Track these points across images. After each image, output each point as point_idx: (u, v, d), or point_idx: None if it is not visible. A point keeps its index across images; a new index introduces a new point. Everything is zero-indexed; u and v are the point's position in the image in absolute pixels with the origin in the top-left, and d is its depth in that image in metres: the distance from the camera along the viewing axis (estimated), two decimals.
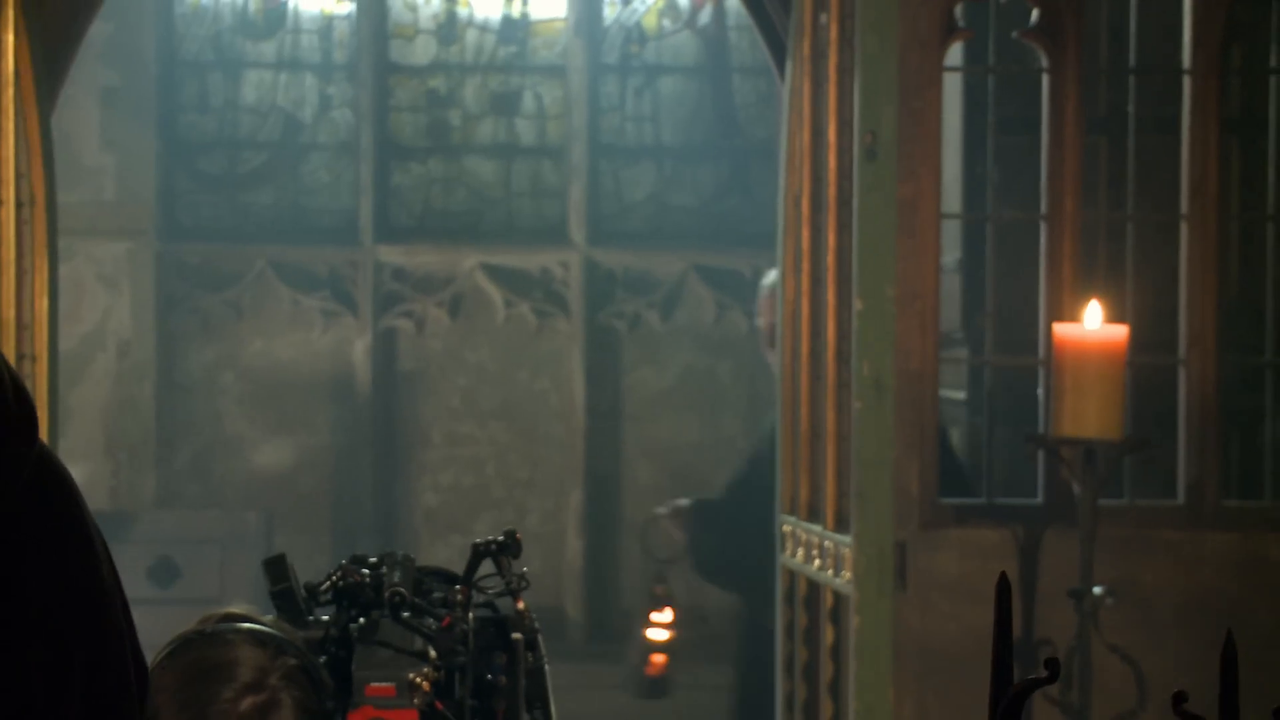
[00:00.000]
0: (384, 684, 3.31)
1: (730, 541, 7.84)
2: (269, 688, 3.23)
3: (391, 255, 10.57)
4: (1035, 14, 6.82)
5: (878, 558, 5.84)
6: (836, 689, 6.11)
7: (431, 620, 3.46)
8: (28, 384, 2.06)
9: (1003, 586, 2.88)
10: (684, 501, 8.09)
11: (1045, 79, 6.89)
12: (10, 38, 6.32)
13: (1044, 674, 2.82)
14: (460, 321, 10.58)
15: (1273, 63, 7.05)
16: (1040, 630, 6.25)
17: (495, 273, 10.40)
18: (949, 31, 6.81)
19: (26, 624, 2.01)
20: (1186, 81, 6.87)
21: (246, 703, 3.21)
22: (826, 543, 6.20)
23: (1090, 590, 6.24)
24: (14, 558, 1.99)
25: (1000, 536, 6.46)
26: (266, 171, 11.02)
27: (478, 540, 3.64)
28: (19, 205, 6.36)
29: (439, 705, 3.35)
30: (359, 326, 10.57)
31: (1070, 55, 6.84)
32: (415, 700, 3.29)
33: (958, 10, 6.82)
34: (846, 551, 5.97)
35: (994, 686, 2.76)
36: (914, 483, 6.51)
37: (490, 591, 3.58)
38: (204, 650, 3.30)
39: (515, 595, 3.56)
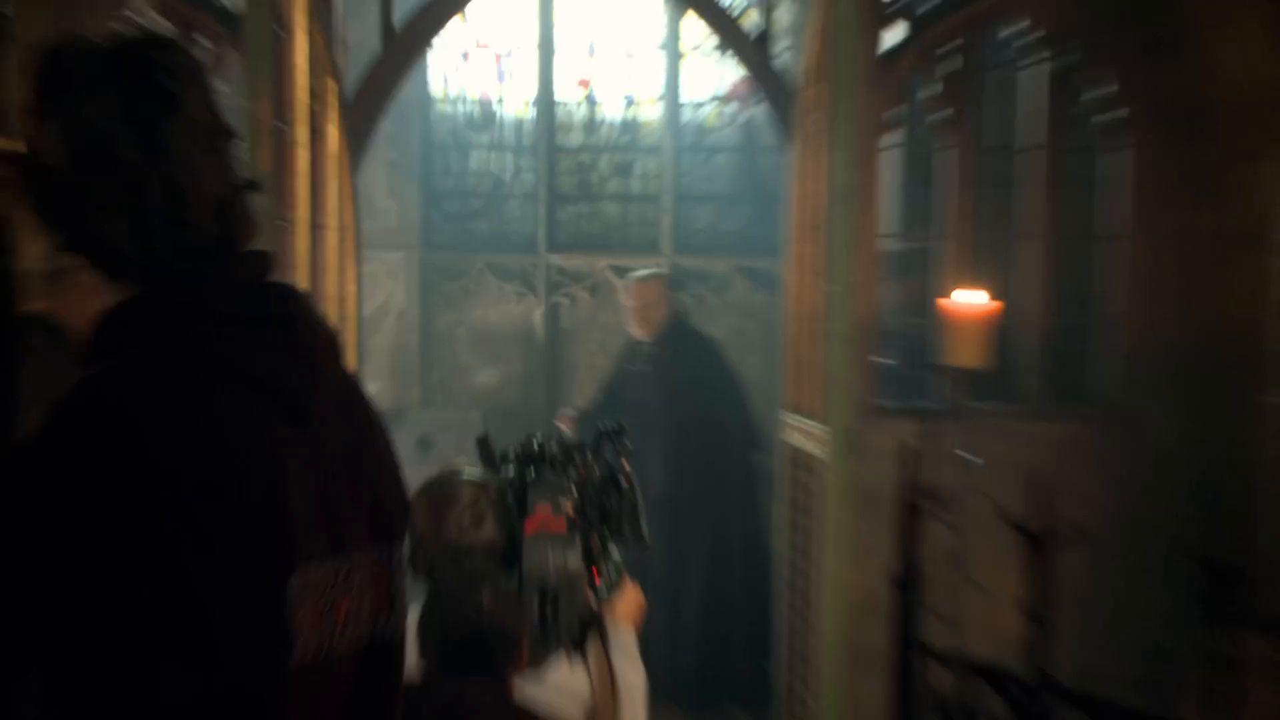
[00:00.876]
0: (545, 507, 3.39)
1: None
2: (480, 507, 3.32)
3: (556, 260, 10.55)
4: (941, 115, 6.82)
5: (841, 437, 5.87)
6: (816, 514, 6.15)
7: (573, 470, 3.53)
8: (344, 334, 2.15)
9: (907, 451, 2.94)
10: (572, 410, 8.17)
11: (950, 153, 6.90)
12: (335, 132, 6.41)
13: (929, 504, 2.88)
14: (597, 299, 10.55)
15: (1080, 145, 7.03)
16: (937, 481, 6.28)
17: (618, 270, 10.36)
18: (886, 126, 6.82)
19: (349, 478, 2.12)
20: (1041, 154, 6.88)
21: (467, 516, 3.30)
22: (812, 427, 6.23)
23: (967, 455, 6.27)
24: (330, 431, 2.08)
25: (915, 425, 6.47)
26: (483, 210, 10.99)
27: (602, 427, 3.70)
28: (339, 229, 6.45)
29: (577, 520, 3.42)
30: (537, 302, 10.56)
31: (965, 137, 6.82)
32: (563, 515, 3.37)
33: (894, 112, 6.83)
34: (822, 433, 6.01)
35: (901, 510, 2.83)
36: (863, 391, 6.54)
37: (609, 455, 3.64)
38: (442, 488, 3.39)
39: (623, 458, 3.62)
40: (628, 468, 3.64)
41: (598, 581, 3.48)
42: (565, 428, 7.68)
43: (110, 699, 1.81)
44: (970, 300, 6.39)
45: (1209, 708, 5.72)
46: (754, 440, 8.08)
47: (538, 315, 10.62)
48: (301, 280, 5.75)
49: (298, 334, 2.05)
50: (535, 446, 3.62)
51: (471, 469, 3.54)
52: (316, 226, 6.13)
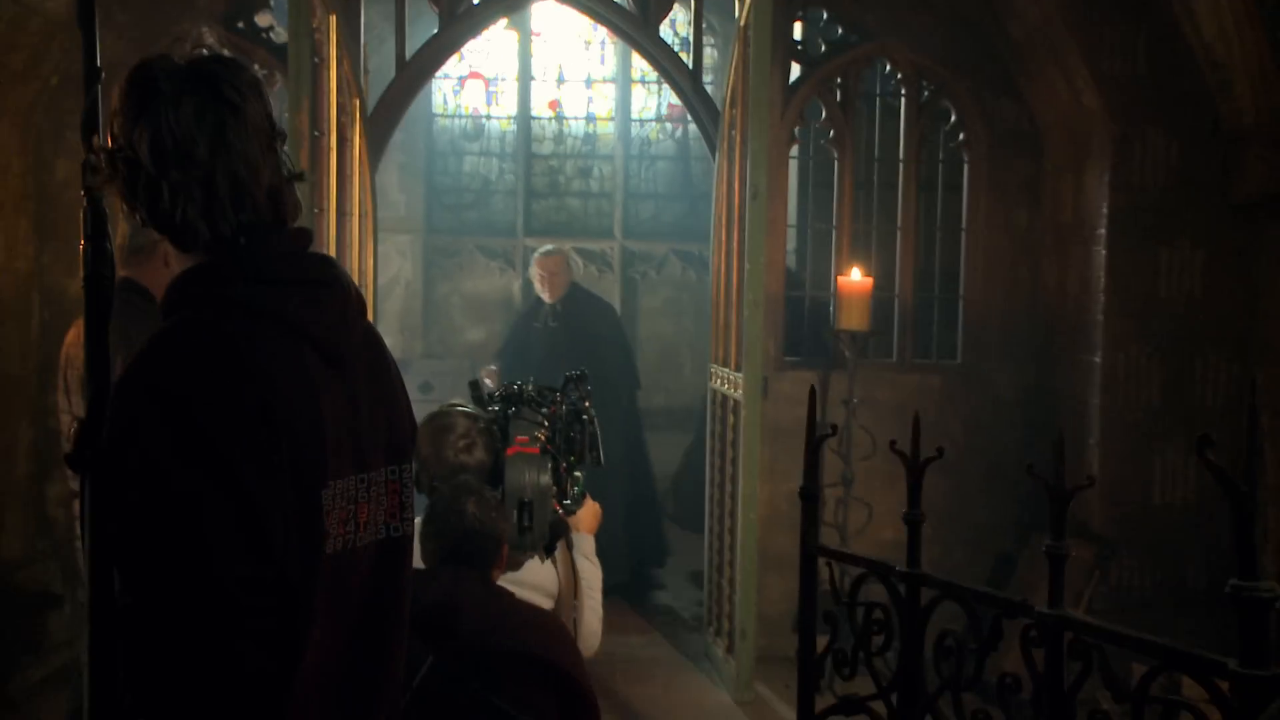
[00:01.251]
0: (523, 437, 3.36)
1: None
2: (471, 436, 3.29)
3: (531, 242, 10.43)
4: (830, 133, 6.82)
5: (754, 383, 5.85)
6: (735, 443, 6.14)
7: (545, 409, 3.51)
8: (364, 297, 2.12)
9: (812, 391, 2.92)
10: (494, 365, 7.90)
11: (835, 163, 6.90)
12: (359, 139, 6.34)
13: (830, 433, 2.85)
14: None
15: (940, 157, 7.02)
16: (830, 418, 6.29)
17: (581, 251, 10.32)
18: (790, 141, 6.82)
19: (370, 409, 2.09)
20: (901, 166, 6.88)
21: (461, 443, 3.27)
22: (731, 376, 6.22)
23: (852, 399, 6.29)
24: (357, 372, 2.06)
25: (813, 375, 6.47)
26: (474, 203, 10.95)
27: (568, 372, 3.67)
28: (361, 216, 6.40)
29: (548, 447, 3.40)
30: (515, 275, 10.53)
31: (847, 151, 6.83)
32: (538, 442, 3.35)
33: (796, 130, 6.83)
34: (740, 380, 6.00)
35: (808, 442, 2.80)
36: (771, 348, 6.54)
37: (574, 396, 3.60)
38: (441, 420, 3.36)
39: (585, 399, 3.59)
40: (588, 405, 3.61)
41: (566, 497, 3.47)
42: (489, 380, 7.53)
43: (190, 586, 1.79)
44: (855, 278, 6.41)
45: (1037, 593, 5.77)
46: (636, 381, 8.12)
47: (516, 286, 10.58)
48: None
49: (333, 293, 2.03)
50: (515, 388, 3.59)
51: (465, 406, 3.51)
52: (343, 214, 6.08)
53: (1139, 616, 5.79)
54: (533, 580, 3.39)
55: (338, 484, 1.96)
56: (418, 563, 2.70)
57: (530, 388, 3.59)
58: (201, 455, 1.80)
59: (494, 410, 3.50)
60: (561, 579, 3.52)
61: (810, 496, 2.75)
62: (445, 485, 3.17)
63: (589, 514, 3.67)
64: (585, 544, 3.66)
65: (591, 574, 3.64)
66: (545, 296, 8.07)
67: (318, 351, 1.97)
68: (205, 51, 1.97)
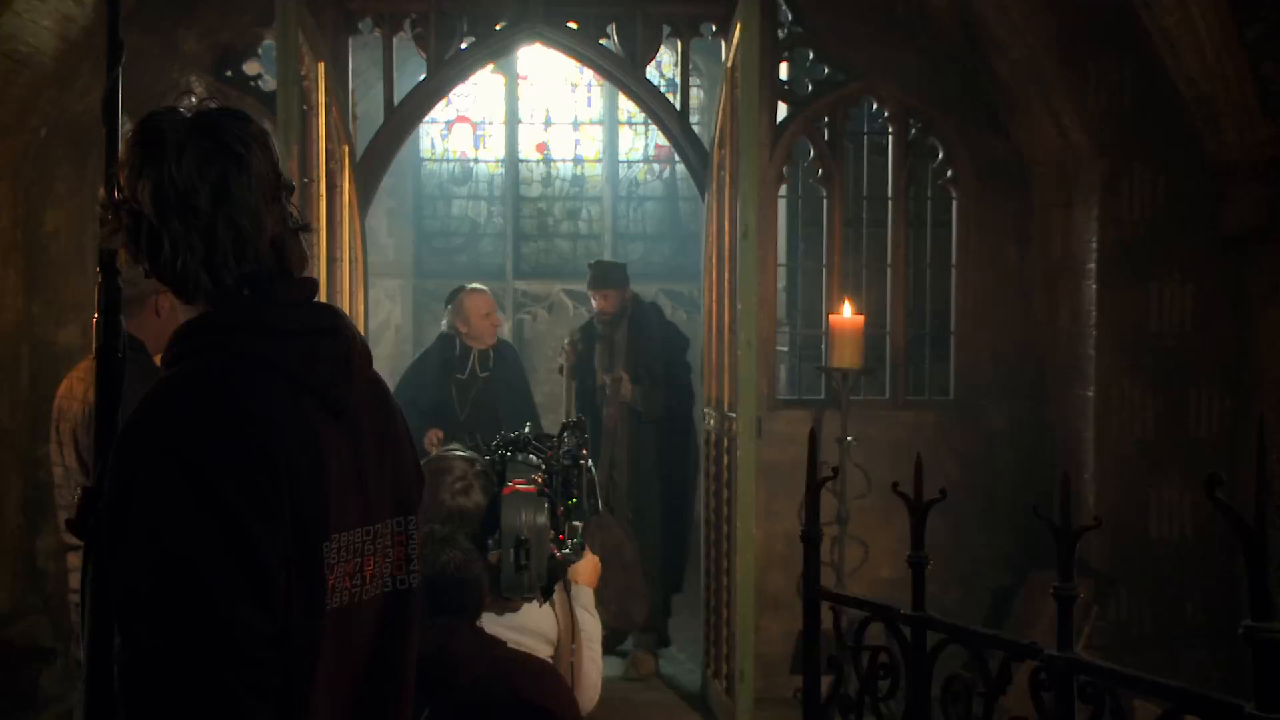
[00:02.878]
0: (520, 479, 3.34)
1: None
2: (468, 478, 3.27)
3: (521, 285, 10.53)
4: (819, 172, 6.83)
5: (748, 423, 5.82)
6: (730, 483, 6.10)
7: (543, 453, 3.48)
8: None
9: (812, 435, 2.89)
10: (439, 431, 6.80)
11: (824, 201, 6.90)
12: (348, 185, 6.34)
13: (830, 475, 2.82)
14: (552, 316, 10.55)
15: (928, 194, 7.04)
16: (823, 457, 6.26)
17: (569, 293, 10.34)
18: (779, 180, 6.83)
19: (375, 460, 2.07)
20: (890, 204, 6.89)
21: (458, 485, 3.25)
22: (726, 416, 6.20)
23: (846, 438, 6.26)
24: (360, 423, 2.04)
25: (805, 414, 6.45)
26: (463, 246, 10.98)
27: (565, 420, 3.65)
28: (351, 261, 6.38)
29: (546, 490, 3.37)
30: (506, 318, 10.51)
31: (836, 189, 6.84)
32: (534, 487, 3.32)
33: (785, 170, 6.84)
34: (734, 420, 5.97)
35: (808, 485, 2.77)
36: (764, 388, 6.51)
37: (570, 442, 3.58)
38: (438, 463, 3.34)
39: (582, 445, 3.57)
40: (585, 453, 3.59)
41: (564, 545, 3.43)
42: (430, 447, 6.96)
43: (196, 636, 1.76)
44: (847, 315, 6.40)
45: (1036, 629, 5.74)
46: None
47: (506, 329, 10.54)
48: None
49: (335, 343, 2.02)
50: (512, 434, 3.57)
51: (462, 450, 3.49)
52: (333, 260, 6.07)
53: (1137, 651, 5.76)
54: (533, 625, 3.36)
55: (342, 537, 1.95)
56: None
57: (527, 431, 3.58)
58: (205, 505, 1.78)
59: (493, 455, 3.48)
60: (560, 626, 3.49)
61: (812, 541, 2.72)
62: (427, 537, 3.13)
63: (588, 566, 3.63)
64: (584, 596, 3.62)
65: (591, 626, 3.60)
66: (478, 341, 7.17)
67: (320, 402, 1.96)
68: (211, 103, 1.97)
